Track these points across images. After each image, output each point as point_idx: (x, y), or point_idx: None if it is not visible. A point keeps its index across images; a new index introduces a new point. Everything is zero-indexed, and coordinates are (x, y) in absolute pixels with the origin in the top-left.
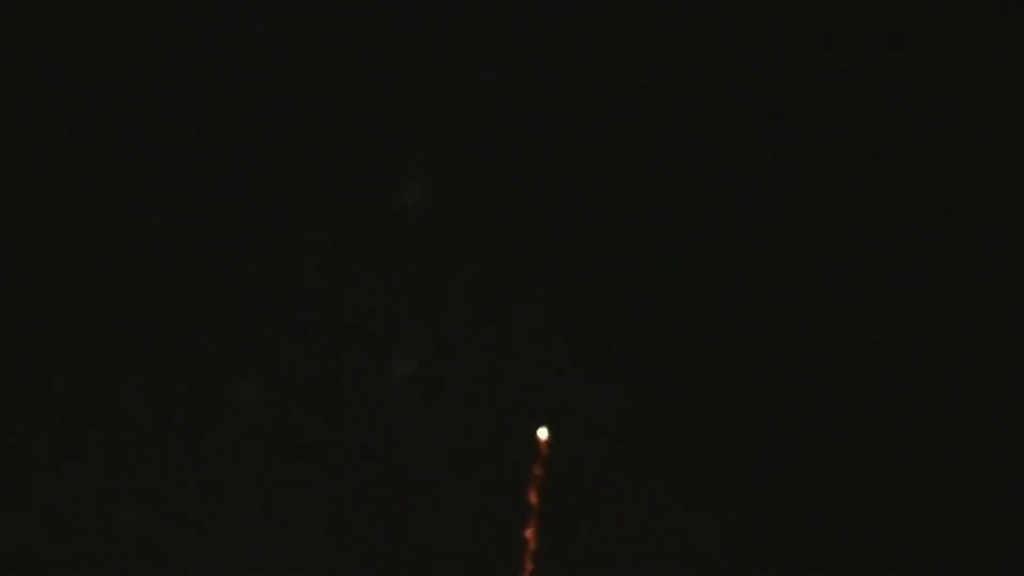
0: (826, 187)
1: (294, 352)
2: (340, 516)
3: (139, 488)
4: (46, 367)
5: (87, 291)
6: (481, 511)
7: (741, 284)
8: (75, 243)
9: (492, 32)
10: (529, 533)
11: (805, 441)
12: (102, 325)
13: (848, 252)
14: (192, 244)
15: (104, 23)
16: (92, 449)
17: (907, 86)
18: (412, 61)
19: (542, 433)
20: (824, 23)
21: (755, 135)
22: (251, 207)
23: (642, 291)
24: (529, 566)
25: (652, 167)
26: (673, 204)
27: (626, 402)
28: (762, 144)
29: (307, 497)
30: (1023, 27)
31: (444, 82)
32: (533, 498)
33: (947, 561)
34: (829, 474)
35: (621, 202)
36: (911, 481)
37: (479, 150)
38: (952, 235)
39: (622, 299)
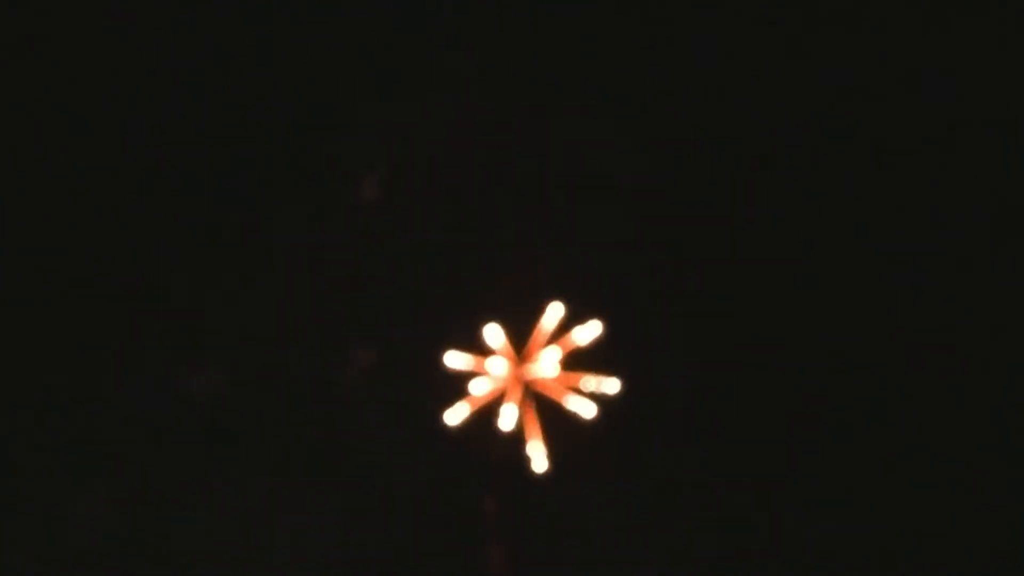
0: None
1: (256, 344)
2: (304, 504)
3: (104, 479)
4: (16, 362)
5: (57, 287)
6: (441, 503)
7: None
8: (55, 241)
9: (460, 27)
10: (491, 542)
11: (806, 442)
12: (71, 320)
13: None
14: (155, 239)
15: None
16: (59, 442)
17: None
18: (378, 58)
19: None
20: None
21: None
22: (215, 203)
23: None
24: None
25: (643, 166)
26: (670, 204)
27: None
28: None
29: (271, 487)
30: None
31: (406, 78)
32: (490, 506)
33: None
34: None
35: (599, 198)
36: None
37: (438, 147)
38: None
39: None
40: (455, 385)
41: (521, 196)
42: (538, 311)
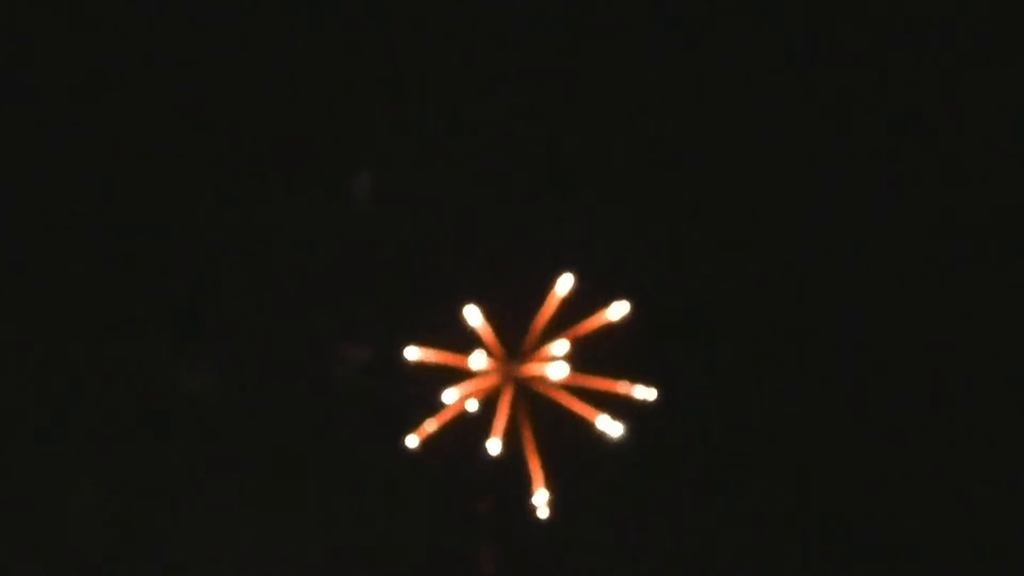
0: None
1: (251, 341)
2: (299, 500)
3: (97, 470)
4: (11, 359)
5: (54, 285)
6: (436, 500)
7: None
8: (49, 239)
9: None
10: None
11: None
12: (59, 314)
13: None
14: (151, 238)
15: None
16: (54, 438)
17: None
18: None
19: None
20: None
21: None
22: (208, 200)
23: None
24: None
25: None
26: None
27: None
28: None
29: (264, 483)
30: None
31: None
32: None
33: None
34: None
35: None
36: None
37: (431, 145)
38: None
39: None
40: (447, 382)
41: (515, 193)
42: (540, 298)
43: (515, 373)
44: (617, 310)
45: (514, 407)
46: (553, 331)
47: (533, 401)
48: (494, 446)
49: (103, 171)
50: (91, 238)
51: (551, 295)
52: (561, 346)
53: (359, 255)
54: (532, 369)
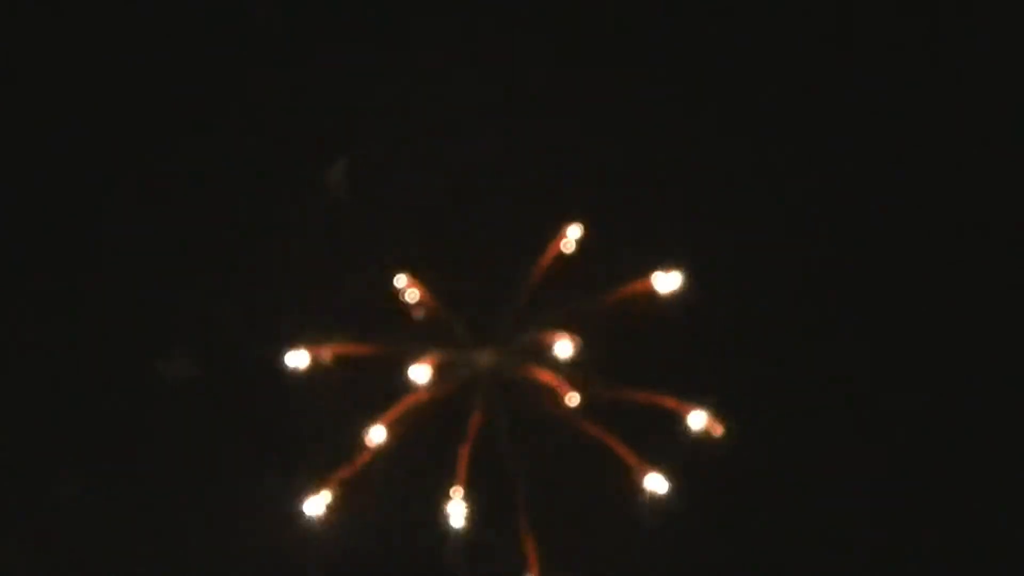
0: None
1: (221, 330)
2: (271, 487)
3: (79, 462)
4: None
5: (29, 264)
6: (408, 487)
7: None
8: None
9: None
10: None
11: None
12: (46, 303)
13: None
14: (129, 225)
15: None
16: (32, 423)
17: None
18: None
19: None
20: None
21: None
22: (186, 190)
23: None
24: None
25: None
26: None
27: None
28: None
29: (243, 476)
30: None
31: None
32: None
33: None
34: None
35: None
36: None
37: (405, 135)
38: None
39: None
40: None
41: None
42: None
43: (487, 368)
44: (662, 284)
45: (487, 429)
46: (550, 314)
47: (522, 427)
48: (456, 510)
49: (80, 166)
50: (65, 231)
51: (552, 248)
52: (562, 345)
53: (334, 246)
54: (518, 370)
